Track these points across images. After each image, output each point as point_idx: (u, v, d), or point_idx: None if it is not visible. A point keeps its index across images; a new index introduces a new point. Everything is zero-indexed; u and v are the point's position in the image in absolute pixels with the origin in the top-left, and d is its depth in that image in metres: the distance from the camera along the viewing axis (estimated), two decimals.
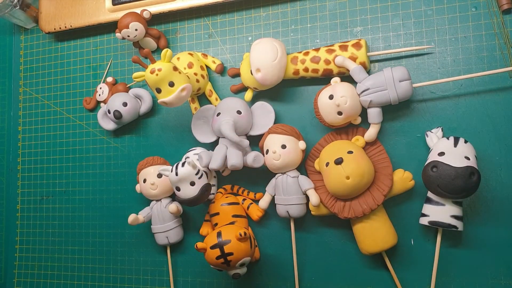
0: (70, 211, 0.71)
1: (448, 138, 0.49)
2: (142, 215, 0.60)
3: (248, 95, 0.60)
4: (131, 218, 0.58)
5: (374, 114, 0.51)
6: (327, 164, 0.51)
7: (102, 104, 0.68)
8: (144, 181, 0.60)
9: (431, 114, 0.54)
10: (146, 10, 0.62)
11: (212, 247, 0.51)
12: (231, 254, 0.50)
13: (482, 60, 0.52)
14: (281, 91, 0.60)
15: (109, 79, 0.68)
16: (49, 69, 0.74)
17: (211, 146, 0.59)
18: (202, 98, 0.63)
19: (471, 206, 0.52)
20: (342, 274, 0.56)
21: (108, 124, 0.66)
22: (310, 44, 0.60)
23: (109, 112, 0.63)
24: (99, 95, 0.68)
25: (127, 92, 0.66)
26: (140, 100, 0.65)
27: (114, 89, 0.67)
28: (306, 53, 0.56)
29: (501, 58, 0.52)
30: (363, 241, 0.52)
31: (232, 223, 0.57)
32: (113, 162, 0.68)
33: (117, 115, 0.62)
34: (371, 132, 0.52)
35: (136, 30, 0.62)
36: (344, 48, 0.54)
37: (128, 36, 0.62)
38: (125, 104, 0.63)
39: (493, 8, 0.52)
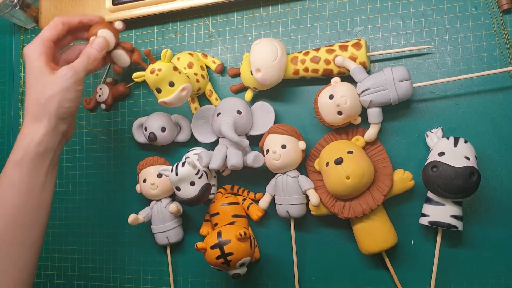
0: (70, 211, 0.71)
1: (448, 138, 0.49)
2: (142, 215, 0.60)
3: (248, 95, 0.60)
4: (131, 218, 0.58)
5: (374, 114, 0.51)
6: (327, 164, 0.51)
7: (103, 105, 0.68)
8: (144, 181, 0.60)
9: (431, 114, 0.54)
10: (119, 21, 0.59)
11: (212, 247, 0.51)
12: (231, 254, 0.50)
13: (482, 60, 0.52)
14: (281, 91, 0.60)
15: (109, 80, 0.68)
16: None
17: (211, 146, 0.59)
18: (202, 98, 0.63)
19: (471, 206, 0.52)
20: (342, 274, 0.56)
21: (140, 137, 0.64)
22: (310, 44, 0.60)
23: (145, 130, 0.62)
24: (99, 95, 0.68)
25: (127, 92, 0.66)
26: (179, 127, 0.63)
27: (114, 89, 0.67)
28: (306, 53, 0.56)
29: (501, 58, 0.52)
30: (363, 241, 0.52)
31: (232, 223, 0.57)
32: (113, 162, 0.68)
33: (152, 138, 0.60)
34: (371, 132, 0.52)
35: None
36: (344, 48, 0.54)
37: None
38: (163, 130, 0.60)
39: (493, 8, 0.52)
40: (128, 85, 0.67)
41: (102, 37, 0.57)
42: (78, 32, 0.60)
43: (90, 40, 0.57)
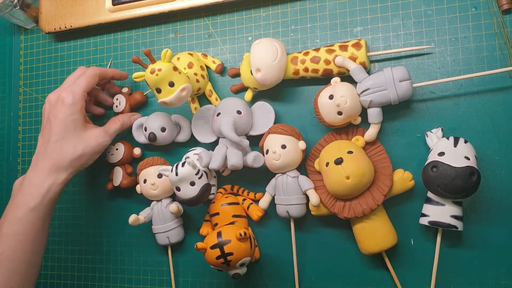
0: (70, 211, 0.71)
1: (448, 138, 0.49)
2: (142, 216, 0.60)
3: (248, 95, 0.60)
4: (132, 218, 0.58)
5: (374, 114, 0.51)
6: (327, 164, 0.51)
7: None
8: (145, 181, 0.60)
9: (431, 114, 0.54)
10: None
11: (212, 247, 0.51)
12: (231, 254, 0.50)
13: (482, 60, 0.52)
14: (281, 91, 0.60)
15: (125, 90, 0.67)
16: (49, 69, 0.74)
17: (211, 146, 0.59)
18: (202, 98, 0.63)
19: (471, 206, 0.52)
20: (342, 274, 0.56)
21: (140, 137, 0.64)
22: (310, 44, 0.60)
23: (146, 130, 0.61)
24: (116, 106, 0.66)
25: (145, 100, 0.66)
26: (179, 127, 0.63)
27: (131, 99, 0.66)
28: (306, 53, 0.56)
29: (501, 58, 0.52)
30: (363, 241, 0.52)
31: (232, 223, 0.57)
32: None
33: (152, 138, 0.60)
34: (371, 132, 0.52)
35: None
36: (344, 48, 0.54)
37: None
38: (163, 130, 0.60)
39: (493, 8, 0.52)
40: (145, 93, 0.67)
41: (140, 115, 0.64)
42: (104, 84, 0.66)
43: (129, 113, 0.64)
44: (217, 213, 0.58)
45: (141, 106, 0.67)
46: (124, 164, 0.65)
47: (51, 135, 0.55)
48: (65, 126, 0.55)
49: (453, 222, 0.48)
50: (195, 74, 0.60)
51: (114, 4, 0.66)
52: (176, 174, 0.53)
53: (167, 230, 0.60)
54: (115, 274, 0.67)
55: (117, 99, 0.67)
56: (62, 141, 0.55)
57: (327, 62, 0.54)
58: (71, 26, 0.69)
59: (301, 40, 0.60)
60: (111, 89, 0.67)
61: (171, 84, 0.52)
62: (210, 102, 0.62)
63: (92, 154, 0.57)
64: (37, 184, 0.54)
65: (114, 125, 0.61)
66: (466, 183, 0.45)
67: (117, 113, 0.67)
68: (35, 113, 0.74)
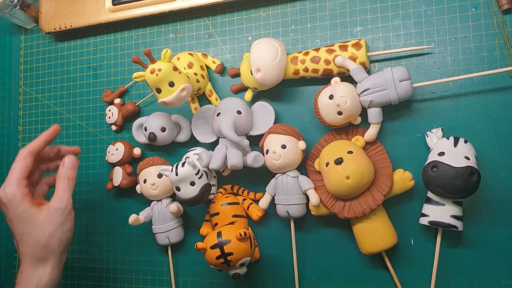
0: None
1: (448, 138, 0.49)
2: (142, 216, 0.60)
3: (248, 95, 0.60)
4: (132, 218, 0.58)
5: (374, 114, 0.51)
6: (327, 164, 0.51)
7: (113, 127, 0.67)
8: (145, 181, 0.60)
9: (431, 114, 0.54)
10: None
11: (212, 247, 0.51)
12: (231, 254, 0.50)
13: (482, 60, 0.53)
14: (281, 91, 0.60)
15: (117, 101, 0.67)
16: (49, 69, 0.74)
17: (211, 146, 0.59)
18: (202, 98, 0.63)
19: (471, 206, 0.52)
20: (342, 274, 0.56)
21: (140, 137, 0.64)
22: (310, 44, 0.60)
23: (146, 130, 0.61)
24: (109, 117, 0.67)
25: (137, 110, 0.66)
26: (179, 127, 0.63)
27: (123, 109, 0.66)
28: (306, 53, 0.56)
29: (501, 58, 0.52)
30: (363, 241, 0.52)
31: (232, 223, 0.57)
32: None
33: (152, 138, 0.60)
34: (371, 132, 0.52)
35: None
36: (344, 48, 0.54)
37: None
38: (163, 130, 0.60)
39: (493, 8, 0.52)
40: (137, 103, 0.67)
41: (71, 155, 0.57)
42: (46, 160, 0.60)
43: (61, 163, 0.56)
44: (217, 213, 0.58)
45: (133, 116, 0.67)
46: (124, 164, 0.65)
47: (15, 235, 0.54)
48: (19, 222, 0.52)
49: (453, 222, 0.48)
50: (195, 74, 0.60)
51: (114, 4, 0.67)
52: (176, 174, 0.53)
53: (167, 230, 0.60)
54: (115, 274, 0.67)
55: (109, 110, 0.67)
56: (26, 235, 0.52)
57: (327, 62, 0.54)
58: (71, 26, 0.69)
59: (301, 40, 0.60)
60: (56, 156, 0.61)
61: (171, 84, 0.52)
62: (210, 102, 0.62)
63: (60, 226, 0.53)
64: (27, 281, 0.52)
65: (61, 184, 0.55)
66: (466, 183, 0.45)
67: (110, 124, 0.67)
68: (35, 113, 0.74)
